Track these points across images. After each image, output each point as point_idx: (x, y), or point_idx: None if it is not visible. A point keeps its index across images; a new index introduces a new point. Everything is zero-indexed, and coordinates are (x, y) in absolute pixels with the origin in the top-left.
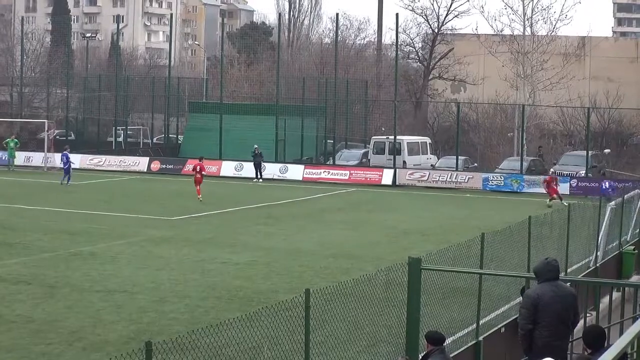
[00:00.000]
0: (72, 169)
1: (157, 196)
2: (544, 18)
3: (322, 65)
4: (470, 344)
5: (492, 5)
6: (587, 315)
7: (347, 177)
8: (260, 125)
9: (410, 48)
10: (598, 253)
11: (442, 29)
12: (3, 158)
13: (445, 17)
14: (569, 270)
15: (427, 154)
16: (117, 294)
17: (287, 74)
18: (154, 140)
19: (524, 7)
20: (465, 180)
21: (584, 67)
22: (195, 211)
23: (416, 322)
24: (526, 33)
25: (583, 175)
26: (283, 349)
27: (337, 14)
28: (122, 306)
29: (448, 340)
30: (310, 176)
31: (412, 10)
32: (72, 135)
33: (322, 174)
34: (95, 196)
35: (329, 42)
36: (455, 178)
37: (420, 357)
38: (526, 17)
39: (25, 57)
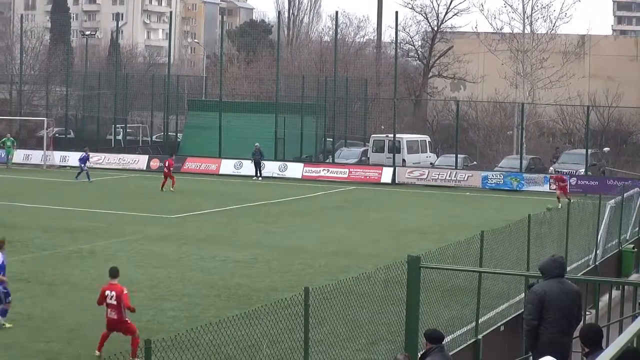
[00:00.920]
0: (70, 167)
1: (156, 194)
2: (543, 16)
3: (322, 64)
4: (469, 342)
5: (491, 4)
6: (587, 313)
7: (346, 175)
8: (259, 124)
9: (410, 46)
10: (597, 251)
11: (441, 27)
12: (2, 156)
13: (445, 15)
14: (568, 268)
15: (426, 152)
16: None
17: (286, 72)
18: (154, 138)
19: (523, 5)
20: (465, 179)
21: (583, 66)
22: (194, 209)
23: (415, 320)
24: (526, 31)
25: (582, 173)
26: (282, 347)
27: (337, 12)
28: None
29: (447, 339)
30: (309, 174)
31: (412, 8)
32: (72, 133)
33: (322, 172)
34: (94, 194)
35: (329, 40)
36: (455, 176)
37: (420, 355)
38: (526, 15)
39: (24, 55)
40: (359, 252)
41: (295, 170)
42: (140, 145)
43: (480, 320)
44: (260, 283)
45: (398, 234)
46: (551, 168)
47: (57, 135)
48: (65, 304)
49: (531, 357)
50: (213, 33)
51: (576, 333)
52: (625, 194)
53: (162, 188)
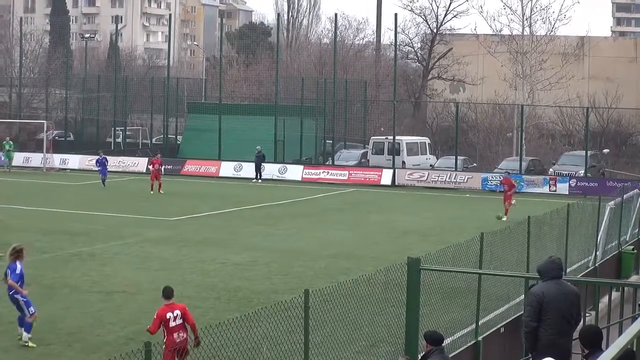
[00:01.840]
0: (71, 169)
1: (155, 197)
2: (542, 18)
3: (321, 66)
4: (469, 344)
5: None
6: (586, 315)
7: (346, 178)
8: (259, 126)
9: (409, 48)
10: (597, 253)
11: (440, 29)
12: (1, 159)
13: (444, 17)
14: (568, 270)
15: (426, 154)
16: (116, 295)
17: (286, 74)
18: (153, 140)
19: (522, 7)
20: (465, 180)
21: (583, 67)
22: (194, 211)
23: (415, 322)
24: (525, 33)
25: (582, 175)
26: (282, 349)
27: (336, 14)
28: (121, 307)
29: (447, 340)
30: (309, 176)
31: (411, 10)
32: (71, 135)
33: (321, 174)
34: (94, 197)
35: (328, 42)
36: (455, 178)
37: (420, 358)
38: (525, 17)
39: (24, 57)
40: (358, 254)
41: (295, 172)
42: (140, 147)
43: (480, 322)
44: (260, 285)
45: (398, 236)
46: (506, 171)
47: (56, 138)
48: (65, 307)
49: (531, 359)
50: (212, 35)
51: (576, 334)
52: (624, 196)
53: (152, 189)
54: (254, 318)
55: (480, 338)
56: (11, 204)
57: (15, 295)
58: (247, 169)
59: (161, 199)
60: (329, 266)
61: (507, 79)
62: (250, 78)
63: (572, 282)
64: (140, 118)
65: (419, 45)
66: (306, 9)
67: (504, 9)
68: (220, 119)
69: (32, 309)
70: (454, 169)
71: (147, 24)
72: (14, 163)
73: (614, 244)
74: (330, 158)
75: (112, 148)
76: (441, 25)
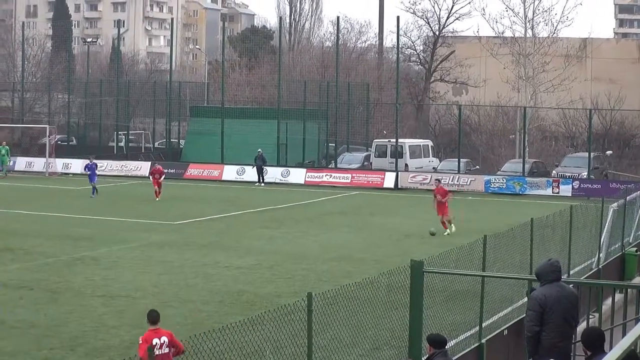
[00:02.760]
0: (72, 174)
1: (159, 201)
2: (545, 20)
3: (324, 69)
4: (472, 347)
5: (493, 8)
6: (590, 317)
7: (349, 181)
8: (261, 129)
9: (412, 51)
10: (600, 255)
11: (443, 31)
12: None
13: (447, 19)
14: (571, 272)
15: (429, 156)
16: (120, 299)
17: (288, 77)
18: (156, 144)
19: (525, 9)
20: (468, 183)
21: (585, 69)
22: (197, 215)
23: (419, 325)
24: (527, 35)
25: (585, 177)
26: (286, 353)
27: (338, 17)
28: (124, 311)
29: (450, 343)
30: (312, 180)
31: (413, 13)
32: (74, 140)
33: (324, 177)
34: (96, 201)
35: (330, 45)
36: (458, 181)
37: None
38: (527, 19)
39: (26, 62)
40: (362, 257)
41: (297, 175)
42: (143, 152)
43: (483, 325)
44: (263, 289)
45: (401, 238)
46: (437, 178)
47: (59, 142)
48: (68, 311)
49: None
50: (215, 39)
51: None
52: (628, 197)
53: (157, 196)
54: (257, 322)
55: (483, 340)
56: (14, 209)
57: None
58: (250, 173)
59: (164, 203)
60: (332, 269)
61: (509, 81)
62: (253, 81)
63: (576, 285)
64: (143, 122)
65: (422, 48)
66: (308, 12)
67: (506, 11)
68: (222, 122)
69: None
70: (456, 172)
71: (150, 28)
72: (16, 168)
73: (617, 245)
74: (333, 161)
75: (115, 152)
76: (443, 27)
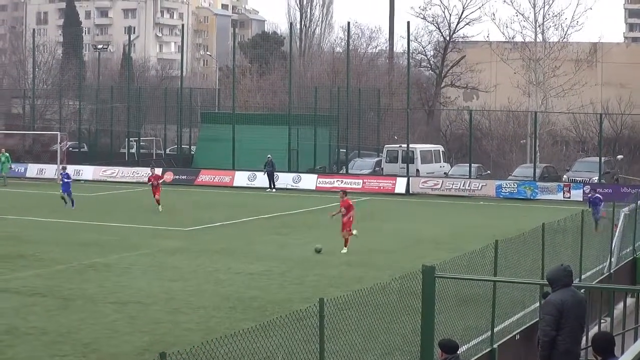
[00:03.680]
0: (85, 180)
1: (170, 207)
2: (555, 25)
3: (334, 74)
4: (484, 352)
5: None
6: (602, 321)
7: (360, 186)
8: (273, 135)
9: (422, 56)
10: (612, 259)
11: (453, 36)
12: (17, 170)
13: (457, 24)
14: (583, 276)
15: (440, 162)
16: (131, 305)
17: (299, 83)
18: (167, 151)
19: (535, 14)
20: (479, 188)
21: (596, 73)
22: (208, 221)
23: (430, 330)
24: (538, 40)
25: (596, 181)
26: (298, 359)
27: (349, 23)
28: (136, 317)
29: (462, 348)
30: (323, 185)
31: (424, 18)
32: (85, 147)
33: (335, 183)
34: (108, 208)
35: (341, 51)
36: (469, 186)
37: None
38: (537, 24)
39: (37, 69)
40: (373, 263)
41: (309, 181)
42: (154, 158)
43: (495, 329)
44: (275, 295)
45: (412, 244)
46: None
47: (70, 149)
48: (80, 318)
49: None
50: (225, 45)
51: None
52: (639, 201)
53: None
54: (268, 327)
55: (495, 345)
56: (26, 216)
57: None
58: (262, 179)
59: (176, 209)
60: (344, 275)
61: (520, 86)
62: (264, 87)
63: (587, 289)
64: (154, 128)
65: (432, 53)
66: (319, 18)
67: (517, 16)
68: (234, 128)
69: None
70: (468, 177)
71: (160, 35)
72: (28, 174)
73: (628, 250)
74: (344, 167)
75: (126, 159)
76: (454, 32)
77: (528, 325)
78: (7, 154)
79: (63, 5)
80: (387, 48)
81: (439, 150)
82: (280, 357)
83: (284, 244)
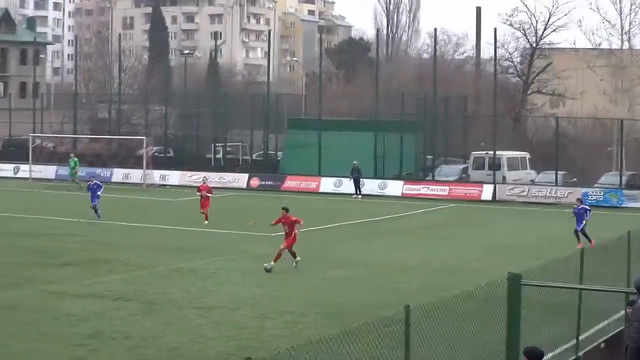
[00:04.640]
0: (171, 185)
1: (256, 213)
2: None
3: (421, 81)
4: None
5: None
6: None
7: (446, 193)
8: (359, 141)
9: (509, 63)
10: None
11: (540, 43)
12: (102, 175)
13: (543, 31)
14: None
15: (526, 169)
16: (217, 310)
17: (385, 89)
18: (254, 156)
19: (621, 21)
20: (565, 195)
21: None
22: None
23: (516, 338)
24: (624, 47)
25: None
26: None
27: (435, 30)
28: (221, 322)
29: (547, 356)
30: (409, 192)
31: (510, 25)
32: (171, 152)
33: (422, 189)
34: (193, 213)
35: (428, 57)
36: (555, 193)
37: None
38: (624, 30)
39: (122, 74)
40: (459, 270)
41: (395, 188)
42: (240, 164)
43: (580, 338)
44: (361, 301)
45: (498, 251)
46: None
47: (156, 154)
48: (165, 322)
49: None
50: (312, 51)
51: None
52: None
53: (206, 219)
54: (354, 334)
55: (580, 354)
56: (111, 220)
57: None
58: (348, 185)
59: (260, 215)
60: (430, 282)
61: (606, 93)
62: (350, 93)
63: None
64: (240, 134)
65: (519, 60)
66: (405, 24)
67: (603, 23)
68: (320, 134)
69: None
70: (554, 184)
71: (247, 40)
72: (113, 179)
73: None
74: (430, 173)
75: (212, 164)
76: (540, 39)
77: (613, 333)
78: (76, 159)
79: (149, 10)
80: (474, 54)
81: (525, 157)
82: None
83: (370, 250)
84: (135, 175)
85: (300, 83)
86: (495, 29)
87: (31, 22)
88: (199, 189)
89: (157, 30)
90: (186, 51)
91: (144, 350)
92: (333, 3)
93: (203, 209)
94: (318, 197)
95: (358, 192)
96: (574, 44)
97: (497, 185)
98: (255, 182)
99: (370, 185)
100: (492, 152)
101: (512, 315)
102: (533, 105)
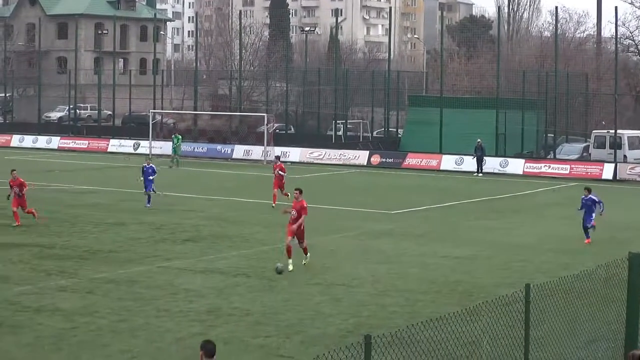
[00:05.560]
0: (292, 162)
1: (376, 190)
2: None
3: (542, 59)
4: None
5: None
6: None
7: (567, 172)
8: (480, 119)
9: (630, 41)
10: None
11: None
12: (223, 151)
13: None
14: None
15: None
16: (336, 287)
17: (506, 67)
18: (374, 134)
19: None
20: None
21: None
22: (414, 205)
23: (635, 318)
24: None
25: None
26: (502, 344)
27: (556, 7)
28: (341, 299)
29: None
30: (530, 170)
31: (631, 3)
32: (292, 128)
33: (543, 168)
34: (313, 190)
35: (549, 35)
36: None
37: None
38: None
39: (243, 50)
40: (579, 249)
41: (516, 166)
42: (361, 141)
43: None
44: (480, 280)
45: (619, 230)
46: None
47: (277, 130)
48: (285, 299)
49: None
50: (433, 29)
51: None
52: None
53: (274, 201)
54: (474, 312)
55: None
56: (231, 196)
57: None
58: (468, 163)
59: (380, 192)
60: (550, 261)
61: None
62: (472, 71)
63: None
64: (361, 111)
65: None
66: (527, 2)
67: None
68: (441, 112)
69: None
70: None
71: (367, 17)
72: (234, 155)
73: None
74: (551, 152)
75: (333, 141)
76: None
77: None
78: (180, 136)
79: None
80: (595, 33)
81: None
82: (485, 342)
83: (490, 228)
84: (256, 151)
85: (421, 60)
86: (616, 7)
87: (151, 0)
88: (274, 167)
89: (278, 7)
90: (307, 28)
91: (264, 327)
92: None
93: (276, 189)
94: (439, 174)
95: (480, 170)
96: None
97: (618, 165)
98: (376, 159)
99: (491, 163)
100: (613, 131)
101: (632, 295)
102: None
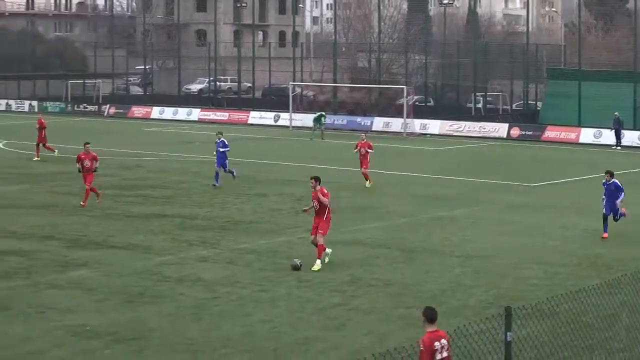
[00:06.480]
0: (431, 135)
1: (515, 162)
2: None
3: None
4: None
5: None
6: None
7: None
8: (618, 93)
9: None
10: None
11: None
12: (363, 123)
13: None
14: None
15: None
16: (476, 259)
17: None
18: (513, 106)
19: None
20: None
21: None
22: (553, 177)
23: None
24: None
25: None
26: None
27: None
28: (480, 271)
29: None
30: None
31: None
32: (431, 101)
33: None
34: (453, 162)
35: None
36: None
37: None
38: None
39: (382, 23)
40: None
41: None
42: (500, 113)
43: None
44: (620, 252)
45: None
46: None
47: (416, 103)
48: (425, 270)
49: None
50: (570, 2)
51: None
52: None
53: (369, 180)
54: (614, 285)
55: None
56: (373, 169)
57: None
58: (607, 136)
59: (520, 165)
60: None
61: None
62: (610, 45)
63: None
64: (500, 84)
65: None
66: None
67: None
68: (579, 85)
69: None
70: None
71: None
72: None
73: None
74: None
75: (473, 114)
76: None
77: None
78: (323, 113)
79: None
80: None
81: None
82: (625, 314)
83: (626, 202)
84: (395, 124)
85: (559, 33)
86: None
87: None
88: (357, 145)
89: None
90: (446, 1)
91: (404, 298)
92: None
93: (363, 167)
94: (577, 147)
95: (618, 144)
96: None
97: None
98: (515, 131)
99: (629, 137)
100: None
101: None
102: None
